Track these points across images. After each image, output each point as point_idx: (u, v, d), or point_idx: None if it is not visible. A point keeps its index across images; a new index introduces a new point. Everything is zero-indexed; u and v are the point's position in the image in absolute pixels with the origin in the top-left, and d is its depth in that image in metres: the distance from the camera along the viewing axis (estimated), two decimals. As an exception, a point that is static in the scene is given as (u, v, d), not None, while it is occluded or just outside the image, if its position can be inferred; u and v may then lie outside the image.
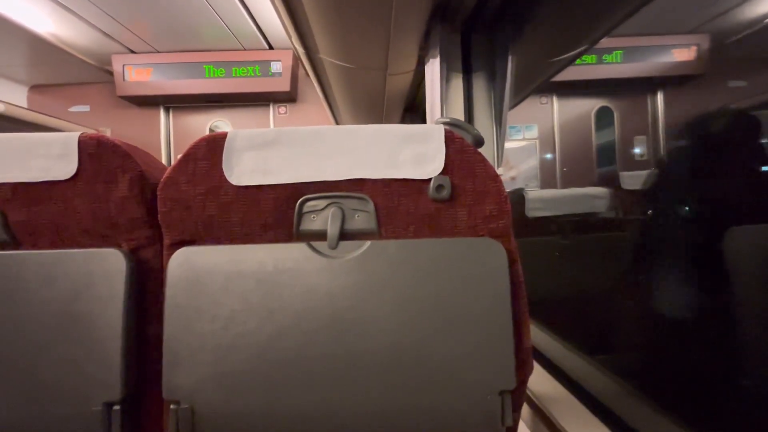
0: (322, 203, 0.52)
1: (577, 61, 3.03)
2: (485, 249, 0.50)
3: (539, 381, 0.85)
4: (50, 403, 0.50)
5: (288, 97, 3.67)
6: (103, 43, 3.07)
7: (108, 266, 0.52)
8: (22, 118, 2.92)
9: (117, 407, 0.50)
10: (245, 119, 3.78)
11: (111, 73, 3.42)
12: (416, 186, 0.51)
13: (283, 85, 3.42)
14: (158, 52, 3.35)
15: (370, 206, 0.52)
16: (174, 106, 3.78)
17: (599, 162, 3.37)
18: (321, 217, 0.52)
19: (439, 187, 0.51)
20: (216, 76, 3.39)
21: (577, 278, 1.31)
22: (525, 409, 0.79)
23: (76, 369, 0.50)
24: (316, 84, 2.18)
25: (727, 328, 0.57)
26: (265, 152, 0.52)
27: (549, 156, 3.42)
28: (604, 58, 3.07)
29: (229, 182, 0.52)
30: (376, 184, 0.52)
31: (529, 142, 3.44)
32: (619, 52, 3.04)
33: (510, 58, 1.30)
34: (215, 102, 3.70)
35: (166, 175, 0.52)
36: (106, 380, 0.50)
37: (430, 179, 0.51)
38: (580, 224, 1.35)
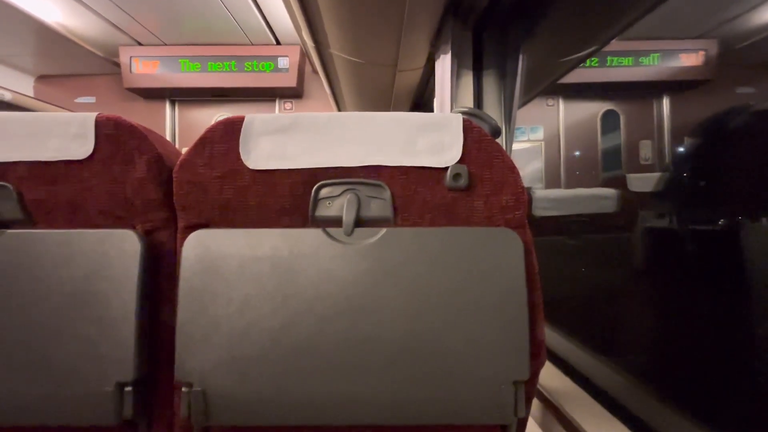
0: (338, 189, 0.52)
1: (588, 63, 3.03)
2: (501, 239, 0.50)
3: (548, 375, 0.85)
4: (63, 382, 0.50)
5: (294, 93, 3.67)
6: (110, 34, 3.07)
7: (123, 247, 0.52)
8: (28, 108, 2.92)
9: (129, 388, 0.50)
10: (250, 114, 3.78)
11: (118, 65, 3.42)
12: (433, 174, 0.51)
13: (290, 81, 3.43)
14: (165, 44, 3.35)
15: (387, 193, 0.52)
16: (180, 99, 3.78)
17: (605, 166, 3.37)
18: (337, 203, 0.52)
19: (457, 176, 0.51)
20: (223, 70, 3.39)
21: (583, 278, 1.30)
22: (534, 402, 0.79)
23: (90, 349, 0.50)
24: (324, 79, 2.18)
25: (741, 325, 0.57)
26: (282, 137, 0.52)
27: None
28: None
29: (245, 166, 0.51)
30: (393, 172, 0.52)
31: (534, 144, 3.44)
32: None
33: (521, 56, 1.30)
34: (221, 96, 3.70)
35: (182, 157, 0.52)
36: (119, 361, 0.50)
37: (447, 168, 0.51)
38: (587, 224, 1.35)
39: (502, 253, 0.50)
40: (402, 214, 0.52)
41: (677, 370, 0.69)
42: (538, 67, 1.47)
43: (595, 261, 1.30)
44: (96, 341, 0.50)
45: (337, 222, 0.51)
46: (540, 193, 1.41)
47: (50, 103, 3.25)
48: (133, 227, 0.54)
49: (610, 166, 3.33)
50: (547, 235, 1.39)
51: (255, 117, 0.53)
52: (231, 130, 0.52)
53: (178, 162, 0.52)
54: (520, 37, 1.28)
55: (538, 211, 1.38)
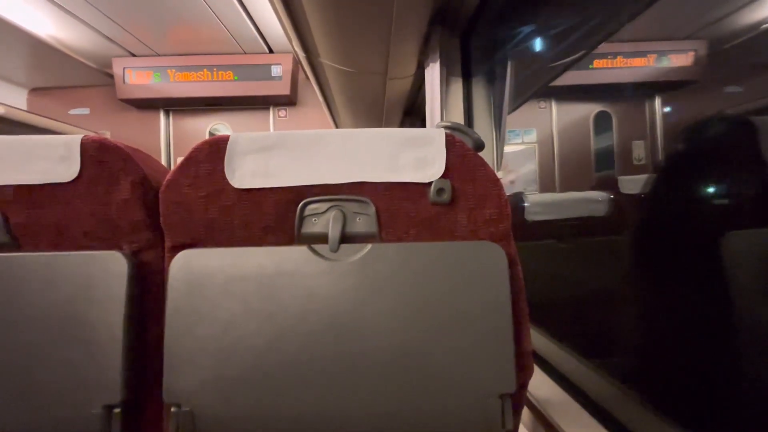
0: (323, 206, 0.52)
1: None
2: (485, 252, 0.51)
3: (539, 385, 0.85)
4: (50, 405, 0.50)
5: (288, 101, 3.68)
6: (103, 46, 3.08)
7: (109, 269, 0.52)
8: (21, 121, 2.92)
9: (117, 410, 0.50)
10: (245, 122, 3.79)
11: (111, 76, 3.43)
12: (417, 189, 0.52)
13: (283, 89, 3.44)
14: (158, 55, 3.36)
15: (371, 209, 0.52)
16: (174, 109, 3.78)
17: (598, 166, 3.38)
18: (322, 220, 0.52)
19: (440, 191, 0.51)
20: (216, 79, 3.40)
21: (575, 282, 1.31)
22: (525, 413, 0.79)
23: (76, 371, 0.50)
24: (316, 88, 2.19)
25: (725, 332, 0.58)
26: (266, 155, 0.53)
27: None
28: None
29: (230, 185, 0.52)
30: (377, 188, 0.52)
31: (528, 147, 3.45)
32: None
33: (509, 62, 1.31)
34: (215, 105, 3.71)
35: (168, 177, 0.52)
36: (106, 383, 0.50)
37: (430, 183, 0.51)
38: (579, 228, 1.36)
39: (487, 266, 0.50)
40: (387, 230, 0.53)
41: (672, 378, 0.70)
42: (527, 72, 1.48)
43: (586, 264, 1.31)
44: (83, 364, 0.50)
45: (322, 239, 0.52)
46: (532, 197, 1.41)
47: (44, 116, 3.24)
48: (119, 248, 0.54)
49: (604, 167, 3.35)
50: (540, 239, 1.40)
51: (239, 136, 0.53)
52: (216, 149, 0.52)
53: (164, 182, 0.53)
54: (507, 43, 1.29)
55: (531, 216, 1.39)
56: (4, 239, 0.53)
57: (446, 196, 0.51)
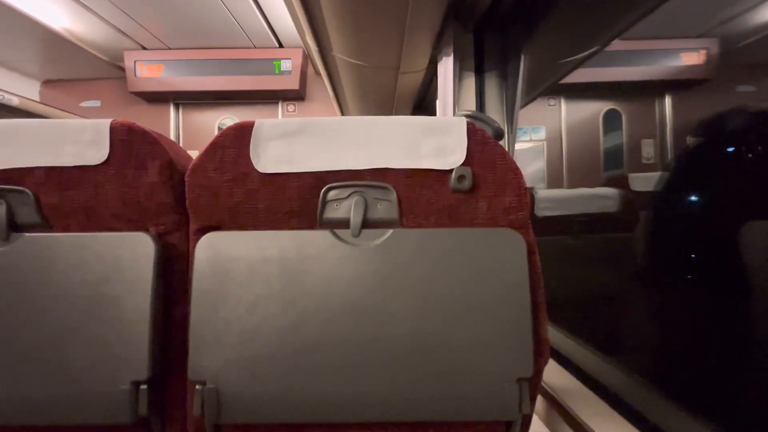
0: (345, 192, 0.54)
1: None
2: (505, 239, 0.52)
3: (552, 373, 0.86)
4: (79, 381, 0.52)
5: (296, 96, 3.69)
6: (115, 39, 3.10)
7: (136, 249, 0.53)
8: (35, 112, 2.95)
9: (144, 386, 0.51)
10: (253, 117, 3.79)
11: (122, 69, 3.46)
12: (438, 176, 0.53)
13: (292, 84, 3.45)
14: (169, 48, 3.38)
15: (393, 195, 0.53)
16: (184, 102, 3.81)
17: (607, 165, 3.37)
18: (344, 205, 0.54)
19: (461, 178, 0.52)
20: (225, 73, 3.42)
21: (585, 277, 1.31)
22: (539, 400, 0.80)
23: (105, 349, 0.52)
24: (327, 82, 2.20)
25: (743, 323, 0.58)
26: (290, 141, 0.54)
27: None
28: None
29: (255, 170, 0.53)
30: (399, 174, 0.53)
31: (536, 144, 3.44)
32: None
33: (522, 58, 1.31)
34: (224, 99, 3.73)
35: (194, 162, 0.54)
36: (133, 360, 0.52)
37: (451, 170, 0.52)
38: (589, 224, 1.36)
39: (506, 253, 0.51)
40: (407, 216, 0.54)
41: (684, 368, 0.70)
42: (540, 68, 1.48)
43: (595, 260, 1.31)
44: (111, 341, 0.52)
45: (344, 224, 0.53)
46: (542, 193, 1.42)
47: (56, 108, 3.28)
48: (146, 230, 0.56)
49: (613, 165, 3.34)
50: (549, 234, 1.40)
51: (264, 122, 0.54)
52: (241, 134, 0.54)
53: (190, 166, 0.54)
54: (520, 39, 1.29)
55: (541, 211, 1.39)
56: (35, 220, 0.55)
57: (467, 184, 0.52)
